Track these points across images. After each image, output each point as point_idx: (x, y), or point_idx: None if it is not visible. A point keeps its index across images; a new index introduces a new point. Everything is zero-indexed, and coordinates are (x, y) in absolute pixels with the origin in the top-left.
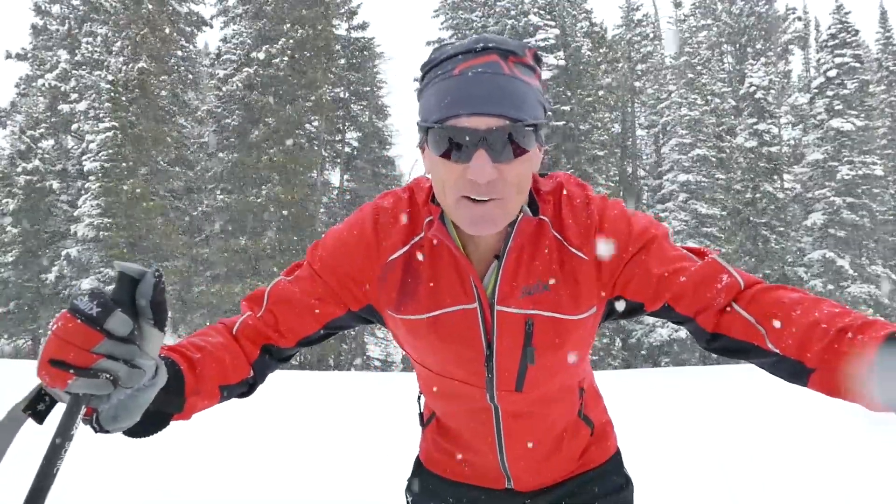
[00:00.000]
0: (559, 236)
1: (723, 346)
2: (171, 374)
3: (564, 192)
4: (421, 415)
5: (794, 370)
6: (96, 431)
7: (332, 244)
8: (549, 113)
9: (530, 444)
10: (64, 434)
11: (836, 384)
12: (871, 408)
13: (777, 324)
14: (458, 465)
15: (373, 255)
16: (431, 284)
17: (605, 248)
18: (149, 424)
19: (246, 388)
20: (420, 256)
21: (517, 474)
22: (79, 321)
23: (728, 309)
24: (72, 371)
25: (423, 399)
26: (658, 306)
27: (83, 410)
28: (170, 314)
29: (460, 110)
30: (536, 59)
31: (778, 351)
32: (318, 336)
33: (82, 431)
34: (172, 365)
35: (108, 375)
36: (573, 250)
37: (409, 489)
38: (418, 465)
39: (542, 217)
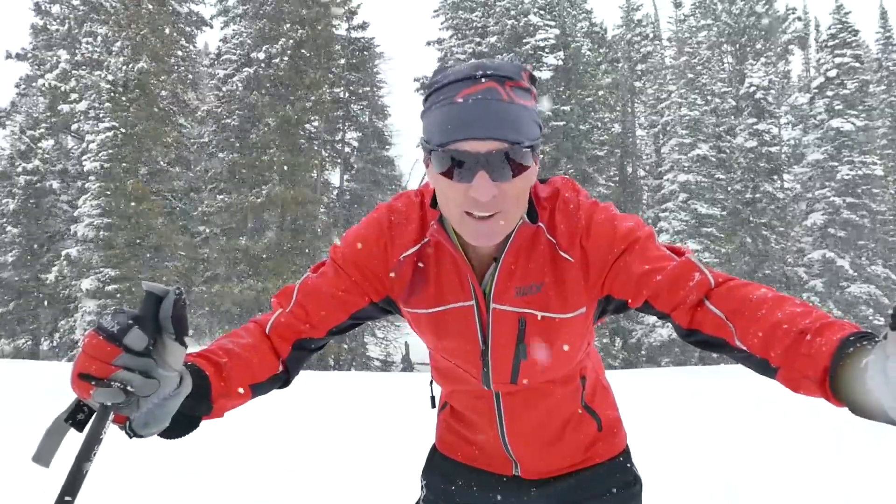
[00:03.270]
0: (552, 240)
1: (698, 340)
2: (199, 380)
3: (560, 198)
4: (432, 398)
5: (760, 366)
6: (130, 437)
7: (352, 240)
8: (544, 130)
9: (530, 425)
10: (93, 438)
11: (797, 383)
12: (832, 403)
13: (743, 322)
14: (469, 449)
15: (388, 250)
16: (436, 282)
17: (590, 252)
18: (180, 427)
19: (280, 383)
20: (427, 256)
21: (522, 459)
22: (101, 338)
23: (700, 306)
24: (93, 382)
25: (434, 384)
26: (640, 303)
27: (111, 417)
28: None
29: (462, 135)
30: (532, 79)
31: (745, 348)
32: (347, 325)
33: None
34: (199, 372)
35: (121, 385)
36: (562, 254)
37: (423, 473)
38: (433, 449)
39: (539, 224)
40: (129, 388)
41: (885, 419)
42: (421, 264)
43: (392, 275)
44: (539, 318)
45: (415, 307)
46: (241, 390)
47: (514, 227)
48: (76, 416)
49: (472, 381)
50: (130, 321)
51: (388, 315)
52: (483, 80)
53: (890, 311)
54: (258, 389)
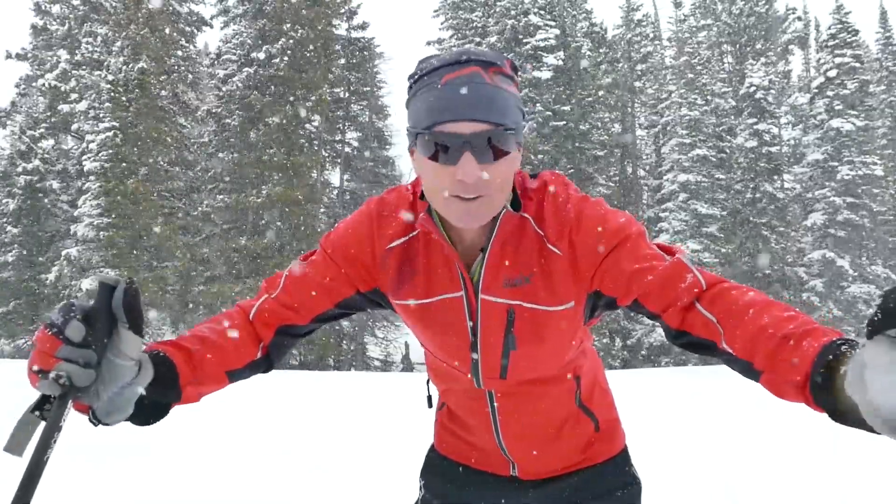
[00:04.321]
0: (540, 232)
1: (686, 342)
2: (164, 368)
3: (549, 191)
4: (429, 398)
5: (745, 369)
6: (95, 425)
7: (342, 231)
8: (528, 119)
9: (525, 426)
10: (53, 427)
11: (780, 388)
12: (812, 408)
13: (731, 325)
14: (467, 449)
15: (374, 241)
16: (425, 274)
17: (579, 246)
18: (149, 414)
19: (260, 369)
20: (416, 248)
21: (519, 460)
22: (46, 331)
23: (692, 308)
24: (39, 375)
25: (431, 384)
26: (629, 301)
27: (69, 406)
28: (170, 313)
29: (447, 117)
30: (514, 68)
31: (731, 351)
32: (333, 314)
33: (90, 442)
34: (165, 360)
35: (58, 376)
36: (550, 246)
37: (422, 473)
38: (431, 450)
39: (524, 214)
40: (70, 379)
41: (863, 427)
42: (409, 255)
43: (380, 265)
44: (527, 309)
45: (404, 298)
46: (218, 375)
47: (499, 213)
48: (42, 406)
49: (463, 380)
50: (72, 314)
51: (378, 307)
52: (467, 64)
53: (867, 321)
54: (235, 376)
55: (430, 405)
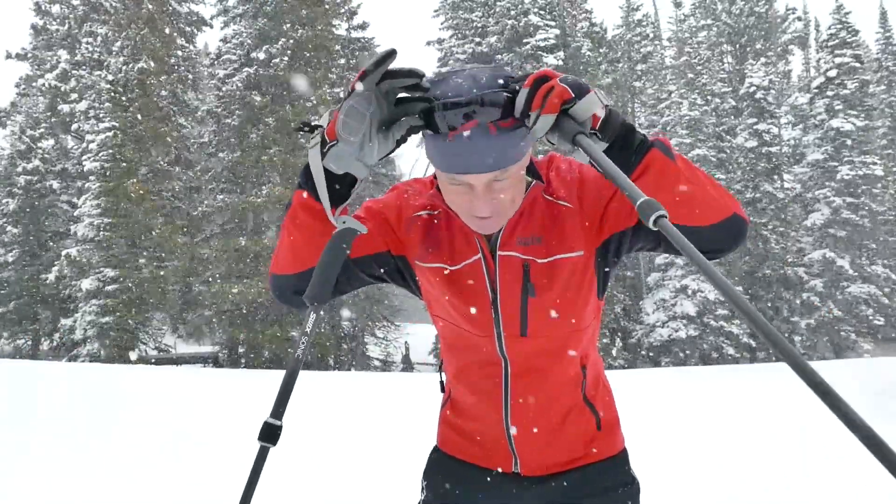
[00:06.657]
0: (550, 198)
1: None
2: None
3: (553, 164)
4: (442, 382)
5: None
6: (322, 157)
7: (374, 201)
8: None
9: (533, 408)
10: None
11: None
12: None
13: None
14: (470, 445)
15: (402, 208)
16: (448, 245)
17: (586, 199)
18: (338, 186)
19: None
20: (438, 223)
21: (522, 448)
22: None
23: None
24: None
25: (444, 374)
26: (636, 220)
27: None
28: (169, 313)
29: (457, 170)
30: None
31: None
32: (366, 262)
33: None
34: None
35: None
36: (561, 202)
37: (424, 473)
38: (434, 450)
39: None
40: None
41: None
42: (432, 228)
43: (406, 230)
44: (541, 263)
45: (434, 262)
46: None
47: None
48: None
49: (483, 348)
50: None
51: (402, 281)
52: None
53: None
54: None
55: (443, 390)
